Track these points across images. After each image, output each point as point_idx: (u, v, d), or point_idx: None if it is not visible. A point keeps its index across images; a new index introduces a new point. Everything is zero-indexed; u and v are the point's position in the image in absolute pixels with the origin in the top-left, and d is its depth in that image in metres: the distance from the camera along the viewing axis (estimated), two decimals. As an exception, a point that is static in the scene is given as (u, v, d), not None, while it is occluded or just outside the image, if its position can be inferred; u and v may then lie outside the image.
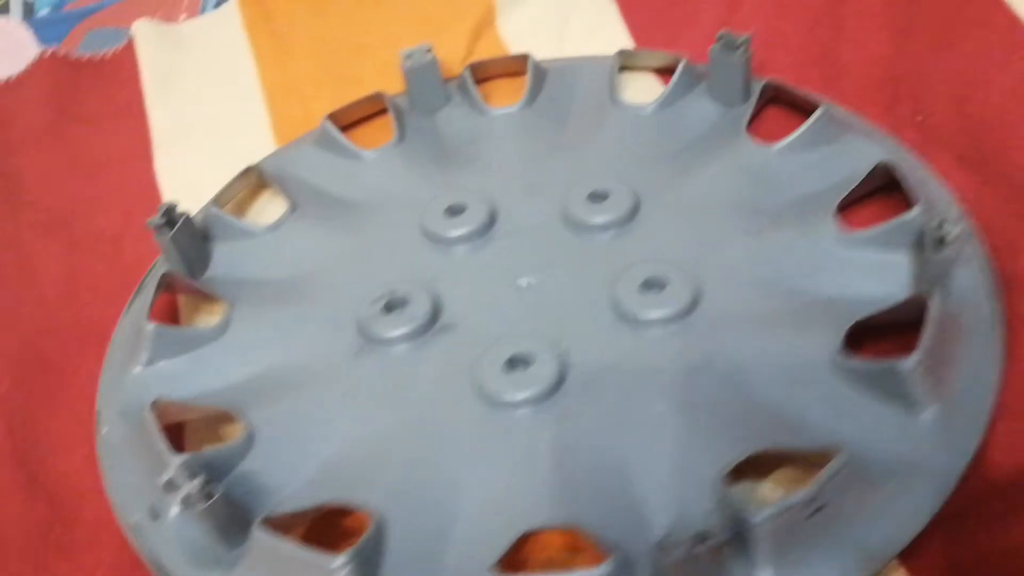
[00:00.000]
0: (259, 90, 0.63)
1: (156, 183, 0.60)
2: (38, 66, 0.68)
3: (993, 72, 0.50)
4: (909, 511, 0.35)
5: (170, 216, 0.49)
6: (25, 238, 0.58)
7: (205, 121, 0.62)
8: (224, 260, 0.52)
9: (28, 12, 0.77)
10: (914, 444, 0.37)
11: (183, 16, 0.72)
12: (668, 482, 0.38)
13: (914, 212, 0.44)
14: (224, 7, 0.70)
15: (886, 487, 0.36)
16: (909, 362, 0.37)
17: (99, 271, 0.54)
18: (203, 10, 0.72)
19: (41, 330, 0.52)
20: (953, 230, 0.40)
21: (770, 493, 0.38)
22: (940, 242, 0.41)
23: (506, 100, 0.59)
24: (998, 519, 0.36)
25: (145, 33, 0.68)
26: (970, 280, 0.43)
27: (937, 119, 0.50)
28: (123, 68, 0.67)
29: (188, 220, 0.50)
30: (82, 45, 0.70)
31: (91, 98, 0.66)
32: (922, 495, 0.36)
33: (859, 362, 0.40)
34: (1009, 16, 0.51)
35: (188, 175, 0.59)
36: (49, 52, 0.69)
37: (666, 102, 0.55)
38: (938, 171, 0.48)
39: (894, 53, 0.53)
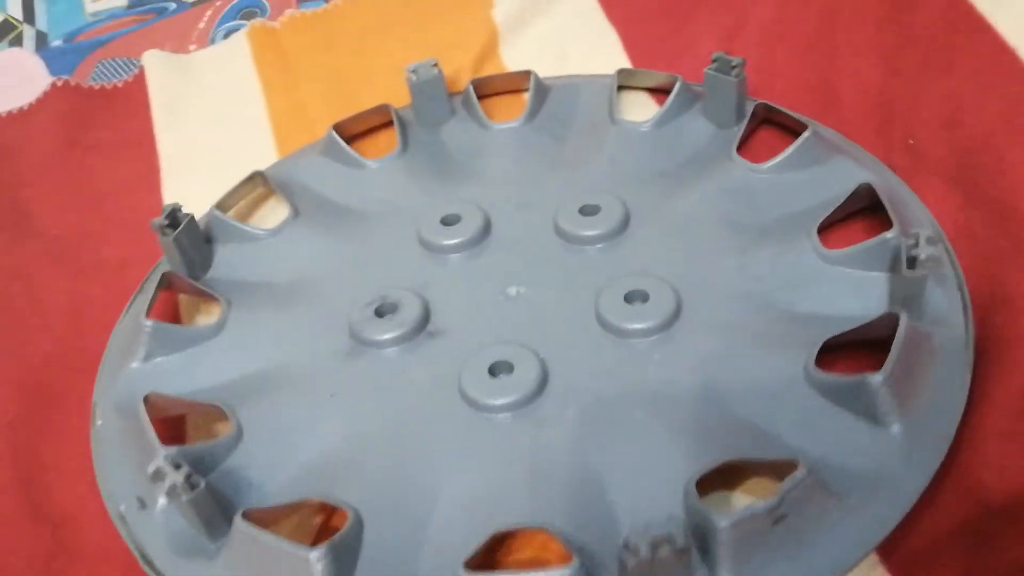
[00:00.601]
0: (266, 119, 0.65)
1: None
2: (49, 96, 0.70)
3: (982, 98, 0.51)
4: (870, 524, 0.36)
5: (174, 217, 0.51)
6: (32, 267, 0.58)
7: (213, 149, 0.64)
8: (225, 262, 0.54)
9: (41, 42, 0.79)
10: (879, 458, 0.38)
11: (193, 47, 0.73)
12: (638, 488, 0.39)
13: (891, 233, 0.44)
14: (233, 38, 0.72)
15: (849, 499, 0.37)
16: (877, 377, 0.38)
17: (105, 300, 0.55)
18: (212, 41, 0.74)
19: (47, 359, 0.53)
20: (926, 250, 0.41)
21: (740, 503, 0.39)
22: (913, 261, 0.41)
23: (508, 116, 0.60)
24: (976, 543, 0.37)
25: (155, 63, 0.70)
26: (945, 300, 0.44)
27: (927, 143, 0.51)
28: (133, 97, 0.68)
29: (191, 222, 0.52)
30: (93, 75, 0.72)
31: (101, 127, 0.67)
32: (884, 508, 0.37)
33: (830, 376, 0.40)
34: (998, 43, 0.52)
35: (195, 203, 0.59)
36: (60, 82, 0.70)
37: (662, 120, 0.57)
38: (925, 194, 0.49)
39: (886, 78, 0.54)
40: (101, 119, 0.68)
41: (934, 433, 0.39)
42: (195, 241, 0.52)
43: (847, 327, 0.43)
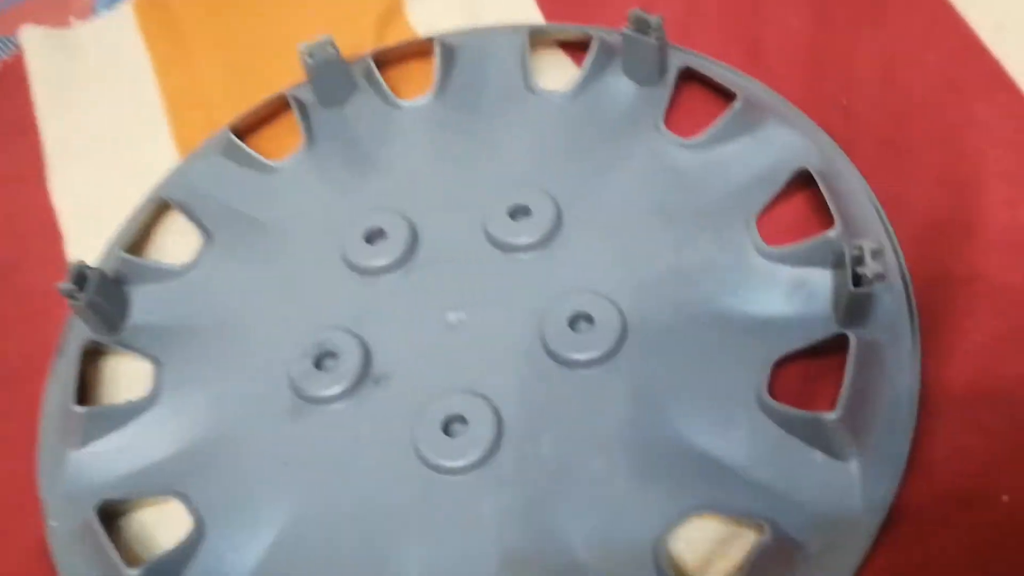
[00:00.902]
0: (159, 97, 0.60)
1: (51, 204, 0.57)
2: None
3: (919, 53, 0.49)
4: (832, 571, 0.38)
5: (81, 278, 0.48)
6: None
7: (101, 134, 0.59)
8: (144, 306, 0.50)
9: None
10: (838, 495, 0.39)
11: (74, 20, 0.66)
12: (607, 547, 0.40)
13: (833, 232, 0.43)
14: (118, 9, 0.65)
15: (811, 545, 0.38)
16: (831, 416, 0.38)
17: None
18: (95, 13, 0.66)
19: None
20: (873, 267, 0.40)
21: (699, 525, 0.40)
22: (859, 278, 0.41)
23: (417, 86, 0.56)
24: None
25: (34, 40, 0.63)
26: (888, 297, 0.43)
27: (861, 102, 0.49)
28: (10, 79, 0.62)
29: (101, 277, 0.48)
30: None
31: (-25, 113, 0.61)
32: (844, 552, 0.38)
33: (782, 406, 0.41)
34: None
35: (85, 193, 0.57)
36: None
37: (581, 87, 0.53)
38: (861, 160, 0.48)
39: (816, 31, 0.52)
40: None
41: (888, 462, 0.39)
42: (108, 295, 0.49)
43: (793, 331, 0.43)
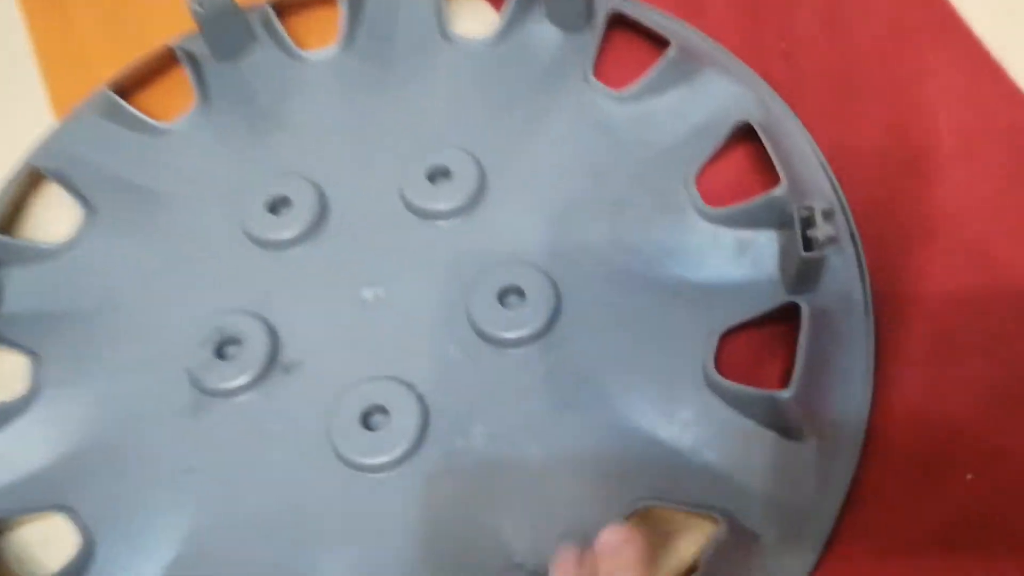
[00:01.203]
0: (31, 57, 0.54)
1: None
2: None
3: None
4: (792, 562, 0.35)
5: (-59, 263, 0.42)
6: None
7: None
8: (17, 291, 0.45)
9: None
10: (793, 478, 0.36)
11: None
12: (546, 548, 0.36)
13: (779, 190, 0.40)
14: None
15: (768, 535, 0.35)
16: (785, 394, 0.36)
17: None
18: None
19: None
20: (825, 230, 0.37)
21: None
22: (810, 242, 0.38)
23: (321, 37, 0.51)
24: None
25: None
26: (841, 264, 0.40)
27: (804, 49, 0.46)
28: None
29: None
30: None
31: None
32: (804, 542, 0.35)
33: (732, 384, 0.37)
34: None
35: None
36: None
37: (502, 34, 0.49)
38: (805, 111, 0.45)
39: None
40: None
41: (845, 440, 0.37)
42: (-25, 281, 0.43)
43: (740, 299, 0.40)
